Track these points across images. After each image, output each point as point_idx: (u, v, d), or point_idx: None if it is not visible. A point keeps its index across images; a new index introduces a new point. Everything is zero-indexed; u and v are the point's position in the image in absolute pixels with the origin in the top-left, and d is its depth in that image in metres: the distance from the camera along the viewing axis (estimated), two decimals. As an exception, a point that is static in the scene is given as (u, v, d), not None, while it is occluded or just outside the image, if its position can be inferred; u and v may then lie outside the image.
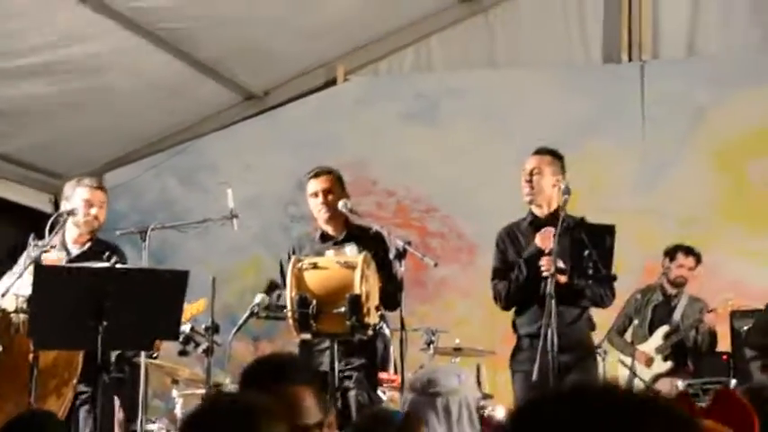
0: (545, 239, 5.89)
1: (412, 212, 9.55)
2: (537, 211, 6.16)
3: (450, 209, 9.51)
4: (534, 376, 5.55)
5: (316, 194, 6.23)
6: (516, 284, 6.07)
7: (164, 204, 9.78)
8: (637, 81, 9.43)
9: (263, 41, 9.18)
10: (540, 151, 6.24)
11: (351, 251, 5.79)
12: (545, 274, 5.77)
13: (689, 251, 8.03)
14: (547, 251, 5.84)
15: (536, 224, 6.12)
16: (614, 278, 6.03)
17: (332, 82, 10.07)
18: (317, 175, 6.27)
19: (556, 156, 6.22)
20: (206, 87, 9.52)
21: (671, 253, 8.07)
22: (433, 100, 9.79)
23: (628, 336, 7.91)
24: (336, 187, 6.24)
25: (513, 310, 6.20)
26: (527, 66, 9.80)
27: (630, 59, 9.63)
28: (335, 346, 5.56)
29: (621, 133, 9.34)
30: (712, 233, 8.84)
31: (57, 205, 6.68)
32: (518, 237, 6.22)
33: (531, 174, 6.14)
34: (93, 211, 6.27)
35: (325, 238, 6.24)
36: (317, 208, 6.24)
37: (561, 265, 5.80)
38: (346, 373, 5.87)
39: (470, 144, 9.54)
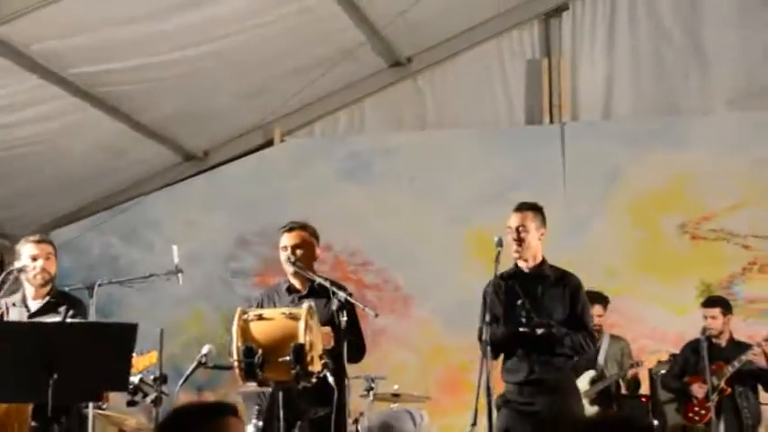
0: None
1: (349, 266, 9.60)
2: (522, 265, 6.10)
3: (386, 262, 9.59)
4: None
5: (285, 248, 6.19)
6: (503, 338, 5.98)
7: (108, 261, 9.73)
8: (557, 141, 9.61)
9: (202, 104, 9.22)
10: (522, 207, 6.15)
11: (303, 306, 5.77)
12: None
13: (593, 299, 8.08)
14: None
15: (521, 278, 6.07)
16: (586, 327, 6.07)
17: (269, 143, 10.14)
18: (289, 230, 6.24)
19: (537, 209, 6.16)
20: (148, 148, 9.52)
21: None
22: (366, 159, 9.89)
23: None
24: (307, 243, 6.20)
25: (501, 360, 6.12)
26: (454, 127, 9.95)
27: (552, 121, 9.81)
28: (280, 394, 5.53)
29: (544, 190, 9.42)
30: (630, 284, 9.00)
31: (2, 263, 6.60)
32: (502, 288, 6.08)
33: (517, 231, 6.07)
34: (39, 263, 6.21)
35: (291, 290, 6.22)
36: (284, 262, 6.19)
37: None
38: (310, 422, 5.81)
39: (402, 200, 9.66)
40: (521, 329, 5.84)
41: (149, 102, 8.87)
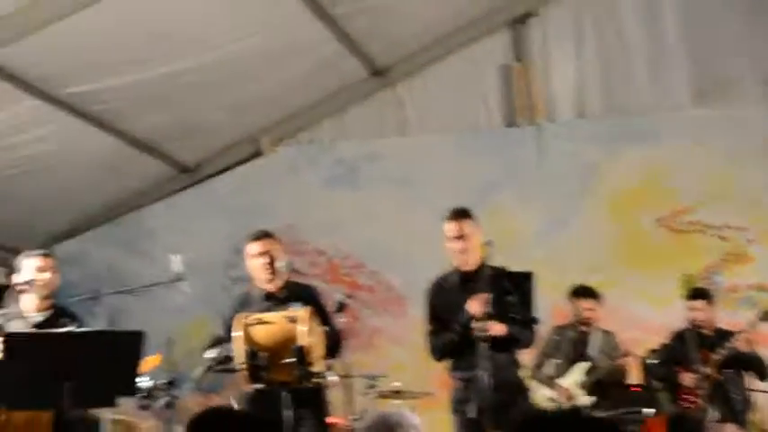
0: (476, 305, 5.82)
1: (342, 269, 9.64)
2: (464, 268, 6.09)
3: (377, 264, 9.65)
4: (473, 414, 5.62)
5: (258, 256, 6.18)
6: (451, 345, 6.02)
7: (110, 272, 9.73)
8: (534, 142, 9.69)
9: (192, 118, 9.25)
10: (458, 216, 6.09)
11: (294, 309, 5.79)
12: (479, 335, 5.79)
13: (585, 293, 8.12)
14: (478, 316, 5.80)
15: (464, 279, 6.05)
16: (536, 321, 6.10)
17: (257, 153, 10.17)
18: (258, 238, 6.21)
19: (470, 215, 6.12)
20: (143, 162, 9.55)
21: (571, 296, 8.20)
22: (352, 166, 9.95)
23: (547, 371, 8.01)
24: (277, 249, 6.23)
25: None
26: (435, 132, 10.01)
27: (527, 123, 9.89)
28: (286, 395, 5.56)
29: (523, 190, 9.57)
30: (613, 278, 8.99)
31: (10, 277, 6.58)
32: (447, 291, 6.11)
33: (457, 239, 6.05)
34: (46, 275, 6.22)
35: (268, 297, 6.21)
36: (259, 269, 6.16)
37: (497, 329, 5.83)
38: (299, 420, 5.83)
39: (390, 204, 9.73)
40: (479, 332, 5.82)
41: (142, 118, 8.91)
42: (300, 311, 5.64)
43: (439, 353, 6.13)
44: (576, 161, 9.61)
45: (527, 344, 6.15)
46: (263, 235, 6.25)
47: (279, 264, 6.14)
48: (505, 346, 5.91)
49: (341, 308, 5.84)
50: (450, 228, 6.08)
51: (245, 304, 6.20)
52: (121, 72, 8.14)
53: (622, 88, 9.83)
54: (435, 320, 6.16)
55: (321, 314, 5.96)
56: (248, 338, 5.58)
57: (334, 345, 5.89)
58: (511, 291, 5.92)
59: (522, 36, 10.08)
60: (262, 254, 6.15)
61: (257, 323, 5.65)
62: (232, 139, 10.06)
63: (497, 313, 5.84)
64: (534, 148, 9.73)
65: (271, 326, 5.63)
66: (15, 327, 6.06)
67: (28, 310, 6.26)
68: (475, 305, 5.81)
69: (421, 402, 7.50)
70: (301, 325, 5.54)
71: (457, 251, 6.05)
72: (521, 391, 6.11)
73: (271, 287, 6.19)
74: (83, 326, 6.10)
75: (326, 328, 5.86)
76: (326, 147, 10.19)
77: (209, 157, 10.17)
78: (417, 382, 7.77)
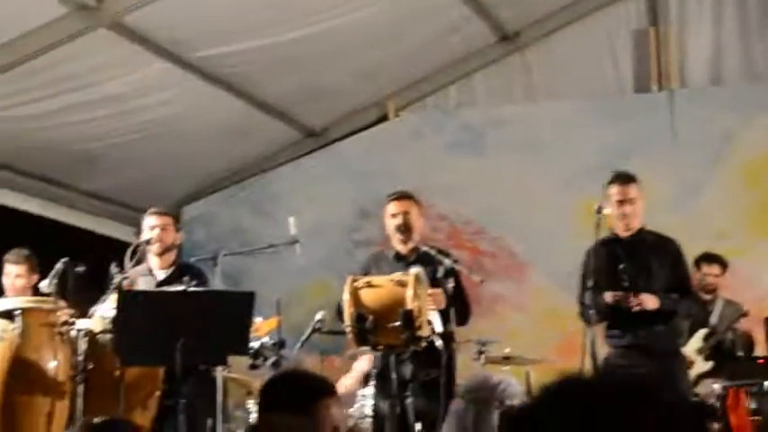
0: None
1: (464, 234, 9.51)
2: (624, 233, 5.96)
3: (500, 230, 9.43)
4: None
5: (394, 216, 6.15)
6: (589, 318, 5.94)
7: (236, 233, 9.83)
8: (667, 108, 9.34)
9: (320, 83, 9.24)
10: (624, 179, 6.00)
11: (415, 270, 5.74)
12: (635, 309, 5.71)
13: (710, 259, 7.85)
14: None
15: (621, 245, 5.95)
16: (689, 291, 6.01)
17: (383, 118, 10.10)
18: (396, 198, 6.21)
19: (636, 179, 6.04)
20: (270, 126, 9.59)
21: (697, 263, 7.92)
22: (478, 131, 9.77)
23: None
24: (414, 210, 6.18)
25: (606, 325, 6.06)
26: (563, 98, 9.73)
27: (660, 89, 9.53)
28: (392, 358, 5.53)
29: (654, 157, 9.21)
30: (744, 247, 8.65)
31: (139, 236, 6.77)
32: (601, 257, 5.98)
33: (622, 203, 5.95)
34: (155, 232, 6.36)
35: (398, 258, 6.18)
36: (393, 229, 6.16)
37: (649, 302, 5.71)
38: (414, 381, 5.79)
39: (514, 170, 9.50)
40: (632, 307, 5.69)
41: (270, 82, 8.94)
42: (407, 276, 5.59)
43: (587, 320, 6.02)
44: (711, 128, 9.21)
45: (690, 314, 6.03)
46: (401, 195, 6.24)
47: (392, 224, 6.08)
48: (666, 318, 5.84)
49: (448, 274, 5.74)
50: (616, 191, 5.96)
51: (375, 263, 6.23)
52: (251, 37, 8.18)
53: (762, 54, 9.38)
54: (584, 287, 6.03)
55: (456, 281, 5.87)
56: (356, 301, 5.54)
57: (460, 311, 5.82)
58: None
59: (657, 0, 9.70)
60: (396, 214, 6.14)
61: (366, 286, 5.62)
62: (359, 104, 10.00)
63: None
64: (667, 114, 9.37)
65: (379, 289, 5.58)
66: (142, 283, 6.25)
67: (153, 268, 6.45)
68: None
69: (537, 368, 7.35)
70: (408, 289, 5.48)
71: (620, 215, 5.90)
72: (679, 360, 6.00)
73: (402, 248, 6.16)
74: (206, 284, 6.20)
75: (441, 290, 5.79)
76: (451, 112, 10.03)
77: (336, 122, 10.13)
78: (535, 348, 7.61)
